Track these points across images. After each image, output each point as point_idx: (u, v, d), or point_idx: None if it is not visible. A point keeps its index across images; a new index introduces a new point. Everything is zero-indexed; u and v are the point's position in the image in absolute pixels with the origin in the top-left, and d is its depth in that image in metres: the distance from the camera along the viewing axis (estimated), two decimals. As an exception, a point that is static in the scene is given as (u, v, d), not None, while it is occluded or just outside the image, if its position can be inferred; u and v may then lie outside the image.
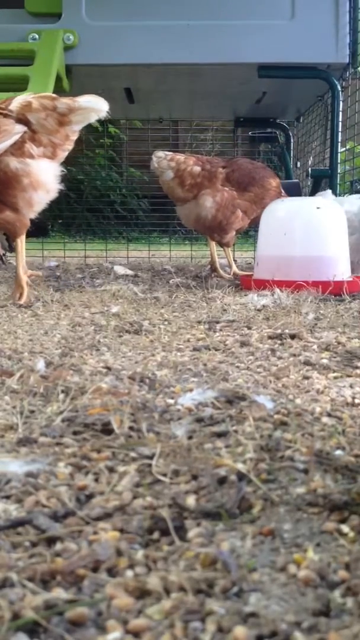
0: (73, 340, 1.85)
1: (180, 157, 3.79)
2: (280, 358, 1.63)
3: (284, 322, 2.14)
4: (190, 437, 1.05)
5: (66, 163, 2.78)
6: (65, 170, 2.72)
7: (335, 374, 1.46)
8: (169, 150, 3.83)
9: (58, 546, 0.71)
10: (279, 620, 0.59)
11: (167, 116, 5.59)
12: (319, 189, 4.40)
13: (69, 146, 2.71)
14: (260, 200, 3.77)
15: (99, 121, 2.77)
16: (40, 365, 1.47)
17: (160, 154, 3.76)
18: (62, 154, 2.69)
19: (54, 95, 2.62)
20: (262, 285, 2.94)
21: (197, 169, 3.74)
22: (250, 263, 4.80)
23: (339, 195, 4.04)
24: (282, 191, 3.90)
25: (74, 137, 2.71)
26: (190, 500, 0.82)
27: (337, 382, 1.39)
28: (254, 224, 3.90)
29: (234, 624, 0.58)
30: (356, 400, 1.26)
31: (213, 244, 3.91)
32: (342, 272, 2.96)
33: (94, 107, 2.62)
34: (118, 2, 3.72)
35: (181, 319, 2.26)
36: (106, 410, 1.16)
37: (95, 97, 2.68)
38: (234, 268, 3.94)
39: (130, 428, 1.09)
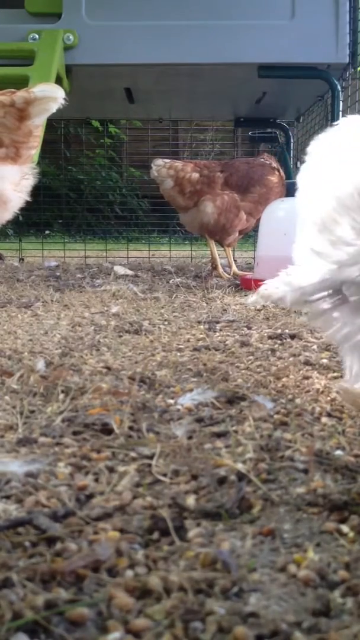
0: (73, 340, 1.85)
1: (179, 164, 3.79)
2: (280, 358, 1.63)
3: (284, 322, 2.14)
4: (190, 437, 1.05)
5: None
6: (37, 169, 2.62)
7: (335, 374, 1.46)
8: (168, 157, 3.85)
9: (58, 546, 0.71)
10: (279, 620, 0.59)
11: (167, 116, 5.58)
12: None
13: (35, 143, 2.56)
14: (265, 200, 3.76)
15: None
16: (40, 365, 1.47)
17: (160, 162, 3.76)
18: (28, 153, 2.55)
19: (11, 89, 2.49)
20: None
21: (196, 175, 3.75)
22: (250, 263, 4.80)
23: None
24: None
25: (38, 132, 2.56)
26: (190, 500, 0.82)
27: (337, 382, 1.39)
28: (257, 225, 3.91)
29: (234, 624, 0.58)
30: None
31: (212, 242, 3.91)
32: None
33: (50, 95, 2.45)
34: (118, 2, 3.71)
35: (181, 319, 2.26)
36: (106, 410, 1.16)
37: (50, 85, 2.55)
38: (234, 268, 3.94)
39: (130, 428, 1.09)
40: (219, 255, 3.93)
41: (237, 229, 3.83)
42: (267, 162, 3.94)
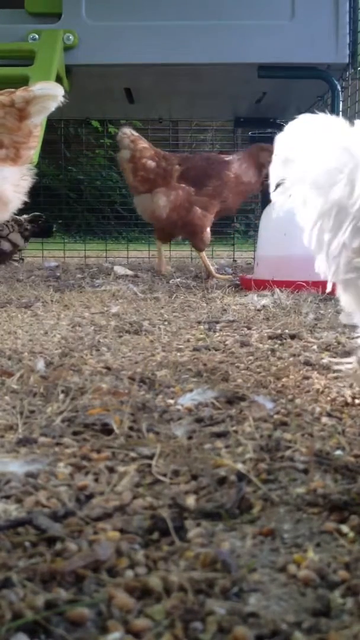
0: (73, 340, 1.85)
1: (141, 144, 3.77)
2: (280, 358, 1.63)
3: (284, 322, 2.14)
4: (190, 437, 1.05)
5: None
6: (38, 170, 2.63)
7: (335, 374, 1.46)
8: (169, 148, 3.83)
9: (58, 546, 0.71)
10: (279, 620, 0.59)
11: (167, 116, 5.58)
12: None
13: (34, 143, 2.56)
14: (219, 194, 3.71)
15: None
16: (40, 365, 1.47)
17: (127, 130, 3.77)
18: (28, 154, 2.55)
19: (10, 89, 2.48)
20: (262, 285, 2.94)
21: (152, 164, 3.73)
22: (250, 263, 4.80)
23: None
24: (253, 179, 3.78)
25: (37, 132, 2.55)
26: (190, 500, 0.82)
27: (337, 382, 1.39)
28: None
29: (234, 624, 0.58)
30: (356, 401, 1.26)
31: (203, 253, 3.87)
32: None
33: (49, 93, 2.45)
34: (118, 2, 3.71)
35: (181, 319, 2.26)
36: (106, 411, 1.16)
37: (49, 82, 2.55)
38: (211, 270, 3.84)
39: (130, 428, 1.09)
40: (210, 258, 3.89)
41: (204, 226, 3.77)
42: (230, 158, 3.83)
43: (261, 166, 3.73)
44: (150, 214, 3.83)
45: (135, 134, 3.81)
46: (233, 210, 4.18)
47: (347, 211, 1.14)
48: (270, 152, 1.41)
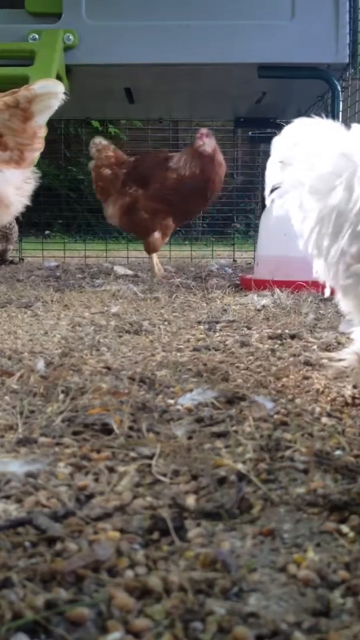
0: (73, 340, 1.85)
1: (106, 152, 3.79)
2: (280, 358, 1.63)
3: (284, 322, 2.14)
4: (190, 437, 1.05)
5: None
6: (39, 171, 2.61)
7: (331, 373, 1.46)
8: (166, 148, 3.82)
9: (58, 546, 0.71)
10: (279, 620, 0.59)
11: (167, 116, 5.58)
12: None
13: (39, 145, 2.53)
14: (159, 197, 3.63)
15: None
16: (40, 365, 1.47)
17: (97, 140, 3.81)
18: (32, 156, 2.52)
19: (13, 90, 2.46)
20: (262, 285, 2.94)
21: (107, 172, 3.75)
22: (250, 263, 4.80)
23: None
24: (197, 170, 3.58)
25: (42, 133, 2.52)
26: (190, 500, 0.82)
27: (337, 382, 1.39)
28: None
29: (234, 624, 0.58)
30: (356, 401, 1.26)
31: (152, 256, 3.82)
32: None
33: (50, 90, 2.43)
34: (118, 2, 3.71)
35: (181, 319, 2.26)
36: (106, 410, 1.16)
37: (49, 80, 2.52)
38: (156, 270, 3.80)
39: (130, 428, 1.09)
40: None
41: (147, 230, 3.71)
42: (170, 156, 3.74)
43: (199, 154, 3.58)
44: (112, 221, 3.87)
45: (104, 142, 3.83)
46: (192, 212, 3.98)
47: (346, 216, 1.14)
48: (205, 135, 1.40)
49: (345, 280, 1.18)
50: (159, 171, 3.69)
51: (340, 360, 1.41)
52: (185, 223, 4.93)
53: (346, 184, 1.14)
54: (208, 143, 3.58)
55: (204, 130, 3.61)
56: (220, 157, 3.66)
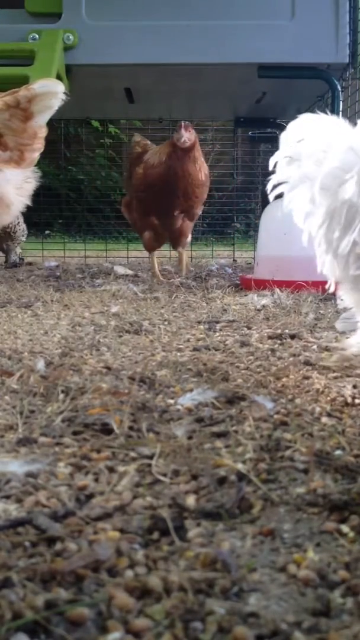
0: (73, 340, 1.85)
1: (135, 149, 3.85)
2: (280, 358, 1.63)
3: (284, 322, 2.14)
4: (190, 437, 1.05)
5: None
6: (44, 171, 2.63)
7: (335, 374, 1.46)
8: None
9: (58, 546, 0.71)
10: (279, 620, 0.59)
11: (167, 116, 5.58)
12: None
13: (39, 145, 2.53)
14: (136, 191, 3.65)
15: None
16: (40, 365, 1.47)
17: (135, 138, 3.92)
18: (32, 156, 2.52)
19: (13, 89, 2.46)
20: (262, 285, 2.94)
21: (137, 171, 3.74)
22: (250, 263, 4.80)
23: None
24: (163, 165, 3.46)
25: (42, 133, 2.52)
26: (190, 500, 0.82)
27: (337, 382, 1.39)
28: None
29: (234, 624, 0.58)
30: (356, 400, 1.26)
31: (151, 254, 3.84)
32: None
33: (50, 90, 2.42)
34: (118, 2, 3.71)
35: (181, 319, 2.26)
36: (106, 410, 1.16)
37: (49, 79, 2.52)
38: (156, 270, 3.77)
39: (130, 428, 1.09)
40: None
41: (142, 230, 3.75)
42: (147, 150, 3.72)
43: (174, 147, 3.45)
44: None
45: (137, 139, 3.92)
46: (170, 209, 3.63)
47: (357, 209, 1.17)
48: (183, 128, 1.39)
49: (356, 271, 1.22)
50: (134, 167, 3.71)
51: (343, 348, 1.44)
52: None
53: (357, 178, 1.17)
54: (186, 136, 3.40)
55: (183, 123, 3.43)
56: (197, 153, 3.50)
